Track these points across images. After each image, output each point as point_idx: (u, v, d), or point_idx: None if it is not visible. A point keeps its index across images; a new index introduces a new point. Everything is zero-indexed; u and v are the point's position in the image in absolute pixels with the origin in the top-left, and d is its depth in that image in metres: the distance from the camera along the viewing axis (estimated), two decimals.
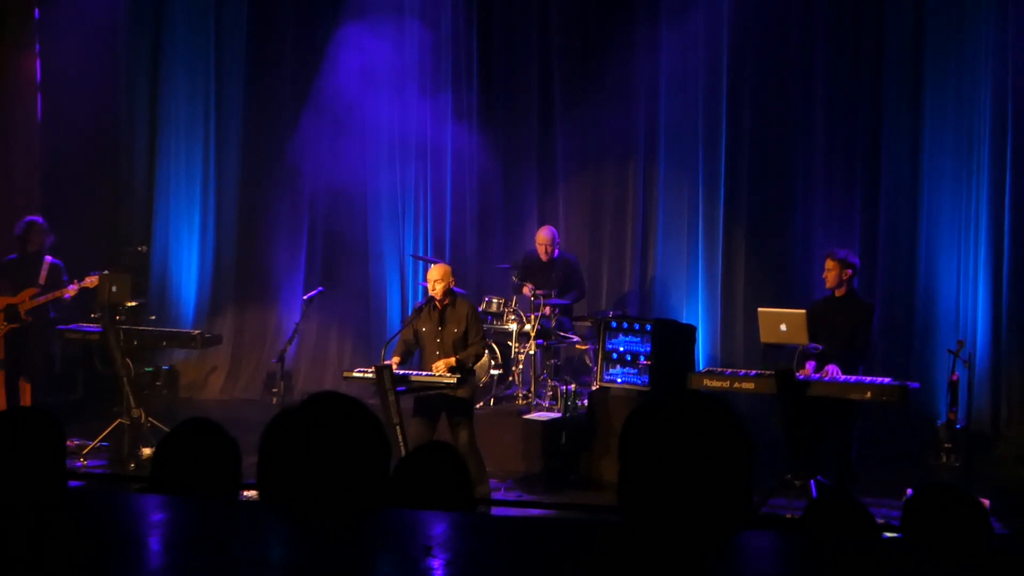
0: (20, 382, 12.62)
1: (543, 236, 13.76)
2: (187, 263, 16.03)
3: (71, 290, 12.26)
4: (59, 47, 14.32)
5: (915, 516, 4.36)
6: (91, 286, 12.24)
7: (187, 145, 16.04)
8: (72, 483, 8.51)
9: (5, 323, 12.43)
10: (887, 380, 10.16)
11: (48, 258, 12.54)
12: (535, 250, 13.83)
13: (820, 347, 10.38)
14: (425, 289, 11.05)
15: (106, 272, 12.24)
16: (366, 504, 3.11)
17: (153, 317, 14.15)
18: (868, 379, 10.21)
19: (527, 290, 13.31)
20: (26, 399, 12.55)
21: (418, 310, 10.92)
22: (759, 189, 14.30)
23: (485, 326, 12.86)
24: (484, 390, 12.95)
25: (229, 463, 4.05)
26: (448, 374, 10.41)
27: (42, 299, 12.31)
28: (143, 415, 11.82)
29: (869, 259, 13.53)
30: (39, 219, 12.69)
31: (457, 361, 10.53)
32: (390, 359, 10.66)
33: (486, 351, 11.19)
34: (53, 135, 14.12)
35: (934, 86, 13.45)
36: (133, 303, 12.27)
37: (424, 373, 10.57)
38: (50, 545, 2.44)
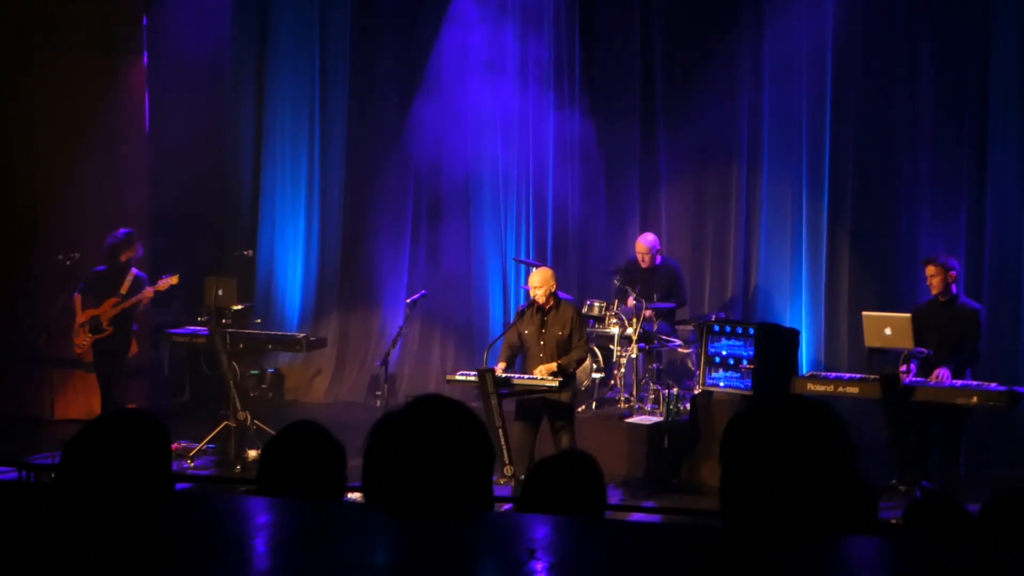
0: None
1: (642, 245, 13.71)
2: (292, 267, 16.17)
3: (147, 294, 12.34)
4: (166, 54, 14.51)
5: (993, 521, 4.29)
6: (164, 288, 12.39)
7: (292, 150, 16.18)
8: (179, 485, 8.64)
9: (90, 334, 12.59)
10: (994, 385, 10.01)
11: (134, 270, 12.63)
12: (636, 257, 13.79)
13: (926, 351, 10.25)
14: (527, 292, 11.07)
15: (213, 276, 12.40)
16: (469, 507, 3.12)
17: (259, 320, 14.28)
18: (975, 384, 10.08)
19: (631, 300, 13.25)
20: (125, 401, 12.75)
21: (520, 313, 10.94)
22: (863, 191, 14.13)
23: (587, 329, 12.86)
24: (586, 394, 12.94)
25: (334, 466, 4.09)
26: (550, 378, 10.42)
27: (120, 307, 12.41)
28: (249, 418, 11.95)
29: (976, 261, 13.34)
30: (131, 231, 12.82)
31: (559, 366, 10.53)
32: (494, 364, 10.69)
33: (588, 355, 11.19)
34: (160, 142, 14.31)
35: None
36: (239, 307, 12.41)
37: (526, 376, 10.59)
38: (157, 546, 2.47)
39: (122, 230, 12.75)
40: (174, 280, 12.45)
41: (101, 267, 12.63)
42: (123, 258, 12.62)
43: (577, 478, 4.35)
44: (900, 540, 3.69)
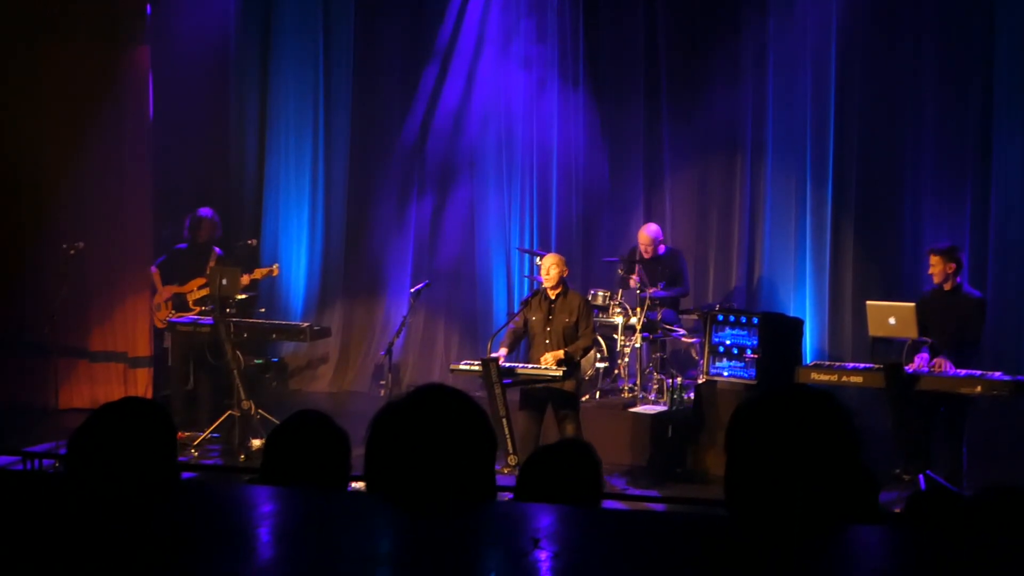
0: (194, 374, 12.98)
1: (645, 236, 13.67)
2: (296, 256, 16.18)
3: (243, 280, 12.44)
4: (170, 44, 14.51)
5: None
6: (259, 277, 12.53)
7: (296, 139, 16.18)
8: (184, 474, 8.65)
9: (173, 311, 12.72)
10: (999, 374, 10.01)
11: (217, 249, 12.83)
12: (640, 248, 13.77)
13: (929, 340, 10.25)
14: (531, 282, 11.10)
15: (217, 265, 12.42)
16: (472, 496, 3.12)
17: (263, 310, 14.30)
18: (979, 373, 10.08)
19: (633, 282, 13.28)
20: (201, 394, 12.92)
21: (526, 300, 10.97)
22: (867, 180, 14.11)
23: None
24: (590, 383, 12.94)
25: (338, 455, 4.09)
26: (555, 366, 10.44)
27: (203, 291, 12.58)
28: (253, 407, 11.97)
29: (980, 251, 13.33)
30: (209, 211, 12.98)
31: (565, 353, 10.55)
32: (497, 352, 10.71)
33: (594, 345, 11.20)
34: (164, 132, 14.31)
35: None
36: (243, 296, 12.43)
37: (530, 366, 10.61)
38: (162, 535, 2.48)
39: (201, 210, 12.93)
40: (270, 270, 12.66)
41: (182, 245, 12.90)
42: (201, 238, 12.78)
43: (573, 467, 4.36)
44: (903, 530, 3.69)
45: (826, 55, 14.14)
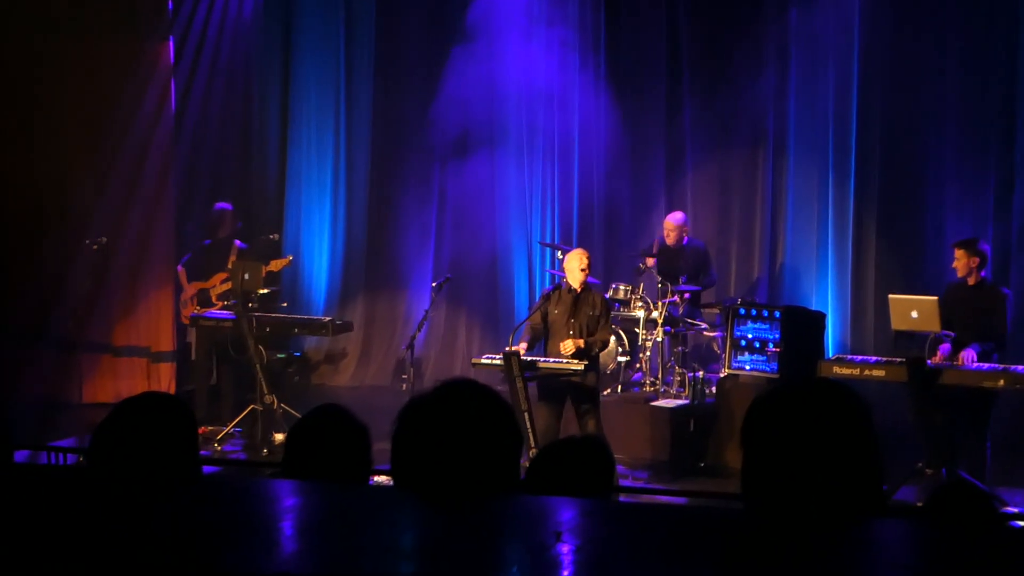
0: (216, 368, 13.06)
1: (670, 222, 13.66)
2: (318, 251, 16.22)
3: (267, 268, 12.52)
4: (191, 39, 14.54)
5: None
6: (276, 269, 12.56)
7: (318, 134, 16.23)
8: (206, 469, 8.68)
9: (199, 307, 12.80)
10: (1022, 368, 9.98)
11: (238, 243, 12.91)
12: (664, 237, 13.74)
13: (952, 334, 10.22)
14: (552, 276, 11.11)
15: (239, 261, 12.46)
16: (497, 490, 3.13)
17: (285, 304, 14.32)
18: (1001, 367, 10.04)
19: (650, 262, 13.28)
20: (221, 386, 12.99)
21: (546, 296, 10.98)
22: (890, 173, 14.08)
23: (612, 313, 12.89)
24: (611, 377, 12.95)
25: (359, 449, 4.10)
26: (575, 360, 10.44)
27: (227, 285, 12.66)
28: (275, 401, 11.99)
29: (1003, 244, 13.28)
30: (228, 205, 13.09)
31: (586, 343, 10.57)
32: (517, 346, 10.72)
33: (613, 340, 11.19)
34: (186, 127, 14.35)
35: None
36: (265, 291, 12.44)
37: (552, 360, 10.61)
38: (184, 529, 2.49)
39: (219, 204, 13.04)
40: (287, 261, 12.74)
41: (207, 241, 13.02)
42: (222, 232, 12.87)
43: (583, 463, 4.36)
44: (922, 525, 3.69)
45: (848, 47, 14.11)
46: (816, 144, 14.38)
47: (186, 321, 13.19)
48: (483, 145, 15.60)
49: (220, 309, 12.67)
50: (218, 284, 12.82)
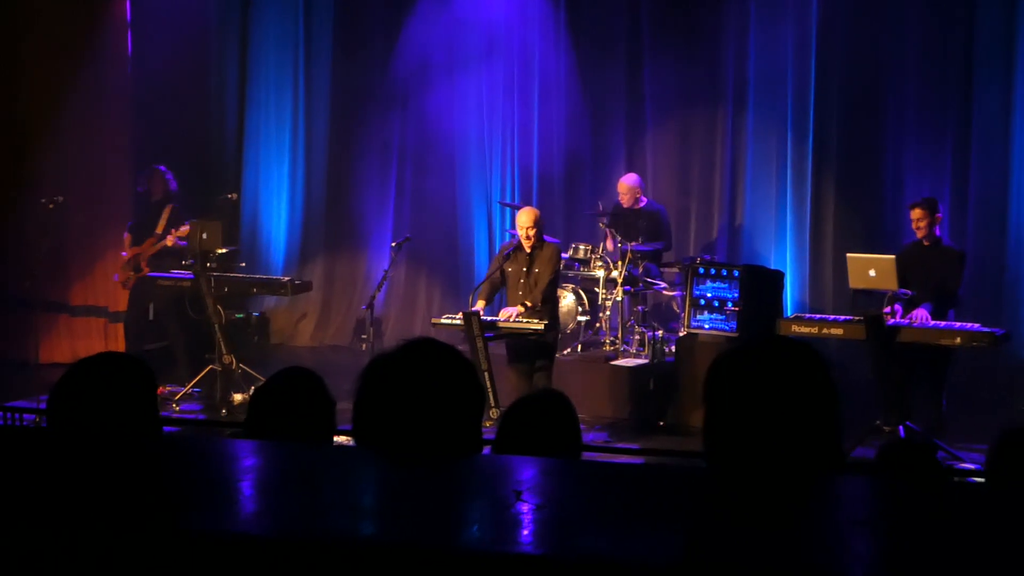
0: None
1: (624, 184, 13.66)
2: (277, 210, 16.16)
3: (167, 240, 12.44)
4: None
5: (999, 461, 4.34)
6: (184, 235, 12.37)
7: (276, 92, 16.14)
8: (165, 429, 8.65)
9: (133, 273, 12.69)
10: (976, 326, 10.08)
11: (169, 206, 12.76)
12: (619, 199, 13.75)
13: (910, 293, 10.30)
14: (512, 236, 11.11)
15: (197, 220, 12.36)
16: (459, 450, 3.13)
17: (243, 264, 14.25)
18: (958, 325, 10.14)
19: (610, 243, 13.28)
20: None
21: (504, 251, 10.99)
22: (848, 133, 14.12)
23: (572, 272, 12.92)
24: (571, 336, 12.98)
25: (324, 414, 4.09)
26: (535, 320, 10.47)
27: (158, 247, 12.54)
28: (234, 362, 11.95)
29: (960, 204, 13.37)
30: (160, 167, 12.90)
31: (528, 305, 10.64)
32: (475, 305, 10.75)
33: (571, 298, 11.19)
34: (143, 83, 14.25)
35: None
36: (224, 250, 12.36)
37: (511, 320, 10.64)
38: (144, 488, 2.48)
39: (150, 166, 12.86)
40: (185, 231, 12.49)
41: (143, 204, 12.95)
42: (154, 196, 12.73)
43: (552, 418, 4.37)
44: (878, 480, 3.72)
45: (807, 6, 14.11)
46: (775, 104, 14.39)
47: (124, 288, 13.00)
48: (443, 103, 15.52)
49: (181, 270, 12.54)
50: (148, 248, 12.64)
